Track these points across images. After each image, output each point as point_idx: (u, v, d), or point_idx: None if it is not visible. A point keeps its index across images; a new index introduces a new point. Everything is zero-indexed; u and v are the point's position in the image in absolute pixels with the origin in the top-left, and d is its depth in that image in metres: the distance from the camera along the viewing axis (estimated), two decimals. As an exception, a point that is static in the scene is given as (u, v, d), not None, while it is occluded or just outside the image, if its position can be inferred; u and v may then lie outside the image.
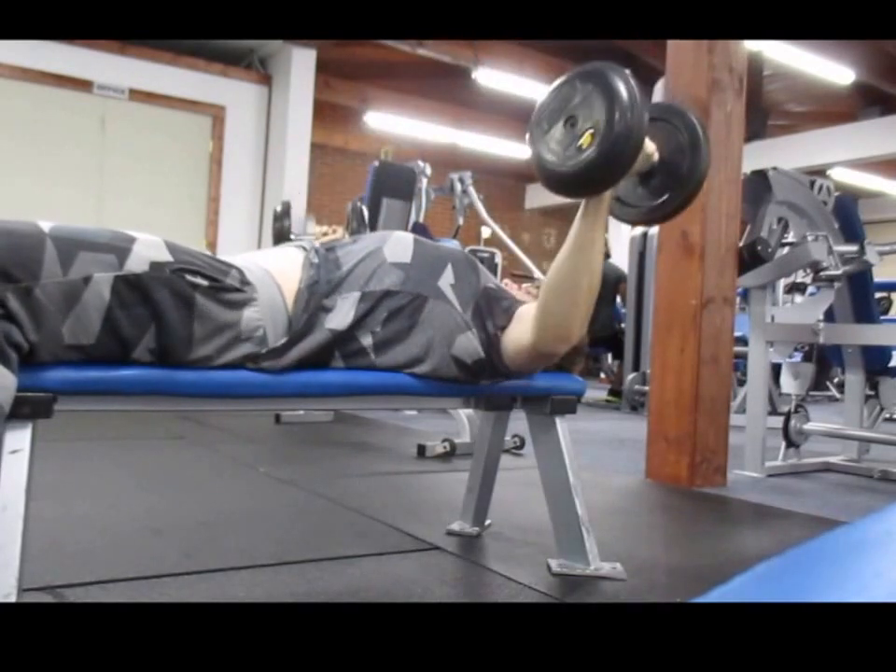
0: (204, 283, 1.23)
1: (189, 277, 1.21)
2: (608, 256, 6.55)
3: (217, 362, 1.26)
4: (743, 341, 3.74)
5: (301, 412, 3.90)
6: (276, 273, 1.35)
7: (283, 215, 4.96)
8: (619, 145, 1.22)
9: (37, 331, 1.10)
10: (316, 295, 1.36)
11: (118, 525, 1.88)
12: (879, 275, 3.76)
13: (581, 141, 1.24)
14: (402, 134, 9.16)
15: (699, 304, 2.80)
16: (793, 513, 2.45)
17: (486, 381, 1.52)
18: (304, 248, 1.44)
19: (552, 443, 1.64)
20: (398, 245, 1.49)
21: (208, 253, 1.33)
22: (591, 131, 1.23)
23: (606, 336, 6.07)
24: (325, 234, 1.93)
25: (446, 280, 1.49)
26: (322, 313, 1.37)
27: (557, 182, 1.30)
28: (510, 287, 1.68)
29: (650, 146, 1.37)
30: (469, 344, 1.46)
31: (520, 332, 1.47)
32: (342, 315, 1.38)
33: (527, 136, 1.35)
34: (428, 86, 8.63)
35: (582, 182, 1.28)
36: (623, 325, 6.05)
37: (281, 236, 4.86)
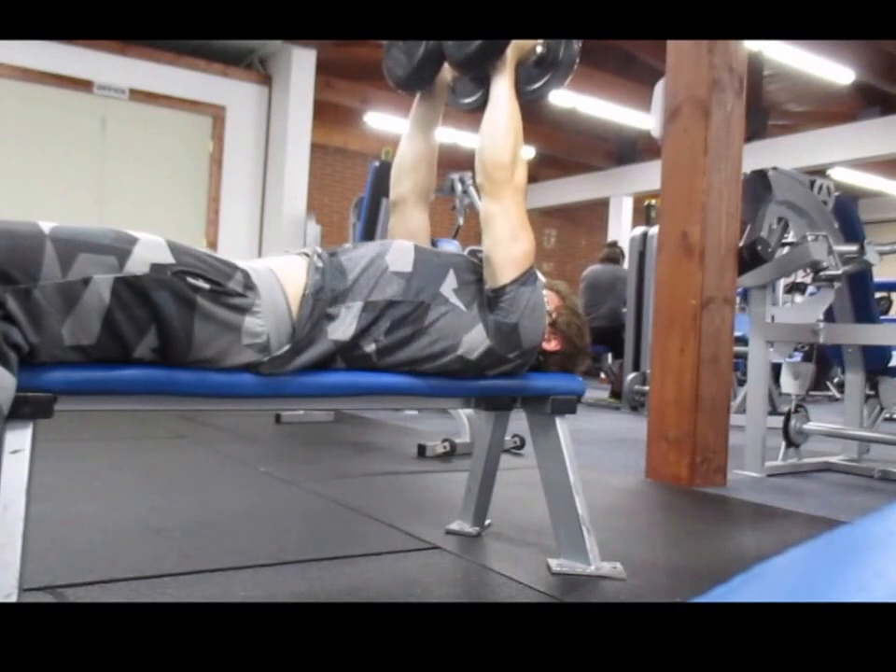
0: (206, 286, 1.21)
1: (190, 280, 1.20)
2: (619, 261, 6.62)
3: (217, 366, 1.26)
4: (743, 341, 3.74)
5: (301, 412, 3.90)
6: (281, 275, 1.34)
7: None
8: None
9: (37, 333, 1.10)
10: (321, 302, 1.36)
11: (118, 525, 1.88)
12: (879, 275, 3.76)
13: None
14: (402, 134, 9.14)
15: (699, 304, 2.80)
16: (793, 513, 2.45)
17: (492, 370, 1.53)
18: (307, 255, 1.43)
19: (552, 443, 1.64)
20: (399, 253, 1.49)
21: (214, 253, 1.32)
22: None
23: (610, 326, 6.11)
24: None
25: (448, 286, 1.49)
26: (326, 321, 1.36)
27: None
28: None
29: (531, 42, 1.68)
30: (474, 339, 1.47)
31: (485, 209, 1.57)
32: (345, 325, 1.37)
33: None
34: (429, 86, 8.62)
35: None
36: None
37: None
